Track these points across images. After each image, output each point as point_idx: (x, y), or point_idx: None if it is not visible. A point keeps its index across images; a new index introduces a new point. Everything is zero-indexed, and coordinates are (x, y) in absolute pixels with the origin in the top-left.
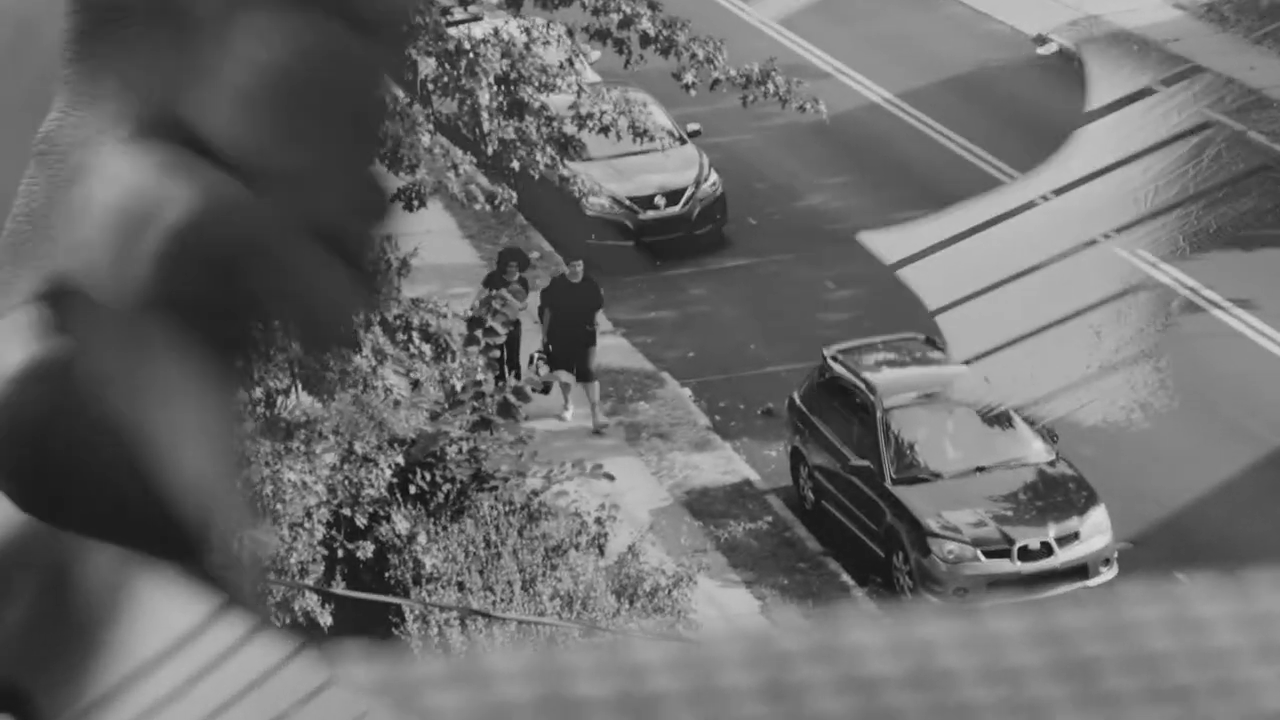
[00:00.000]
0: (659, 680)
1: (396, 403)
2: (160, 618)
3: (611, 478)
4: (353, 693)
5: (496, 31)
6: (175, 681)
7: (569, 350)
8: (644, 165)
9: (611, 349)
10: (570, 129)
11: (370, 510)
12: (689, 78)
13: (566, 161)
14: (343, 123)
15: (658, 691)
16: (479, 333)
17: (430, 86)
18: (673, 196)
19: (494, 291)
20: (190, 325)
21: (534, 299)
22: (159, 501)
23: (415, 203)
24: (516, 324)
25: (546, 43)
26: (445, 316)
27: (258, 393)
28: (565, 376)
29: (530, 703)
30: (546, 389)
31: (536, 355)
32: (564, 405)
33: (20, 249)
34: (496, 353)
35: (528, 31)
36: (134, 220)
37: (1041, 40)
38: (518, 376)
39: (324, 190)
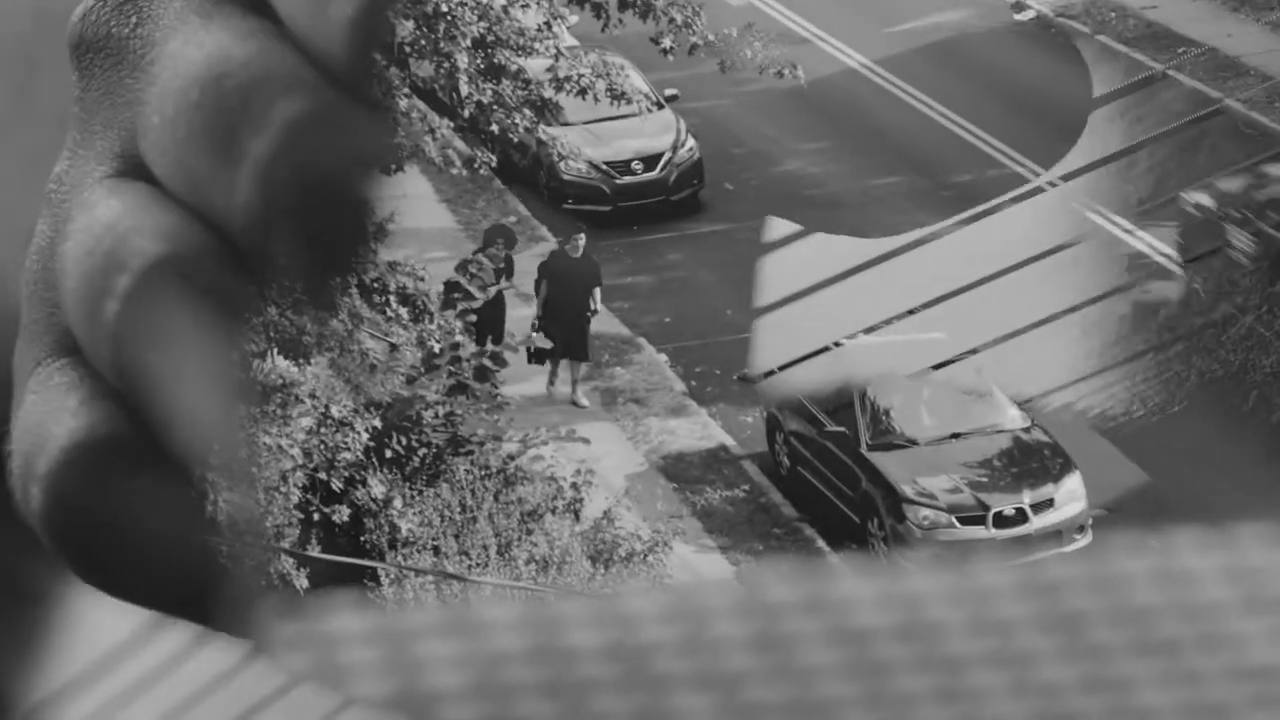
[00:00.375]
0: (650, 631)
1: (373, 366)
2: (97, 625)
3: (587, 441)
4: (318, 691)
5: None
6: (115, 690)
7: (563, 326)
8: (621, 130)
9: None
10: (548, 92)
11: (346, 474)
12: (667, 42)
13: (544, 126)
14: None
15: (650, 641)
16: (456, 295)
17: (407, 49)
18: (650, 161)
19: (471, 256)
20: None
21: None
22: (201, 565)
23: (392, 167)
24: (499, 300)
25: (525, 6)
26: (423, 280)
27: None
28: (541, 341)
29: (522, 652)
30: (541, 358)
31: (531, 329)
32: (550, 380)
33: (36, 294)
34: (473, 318)
35: None
36: (98, 270)
37: (1019, 7)
38: (499, 356)
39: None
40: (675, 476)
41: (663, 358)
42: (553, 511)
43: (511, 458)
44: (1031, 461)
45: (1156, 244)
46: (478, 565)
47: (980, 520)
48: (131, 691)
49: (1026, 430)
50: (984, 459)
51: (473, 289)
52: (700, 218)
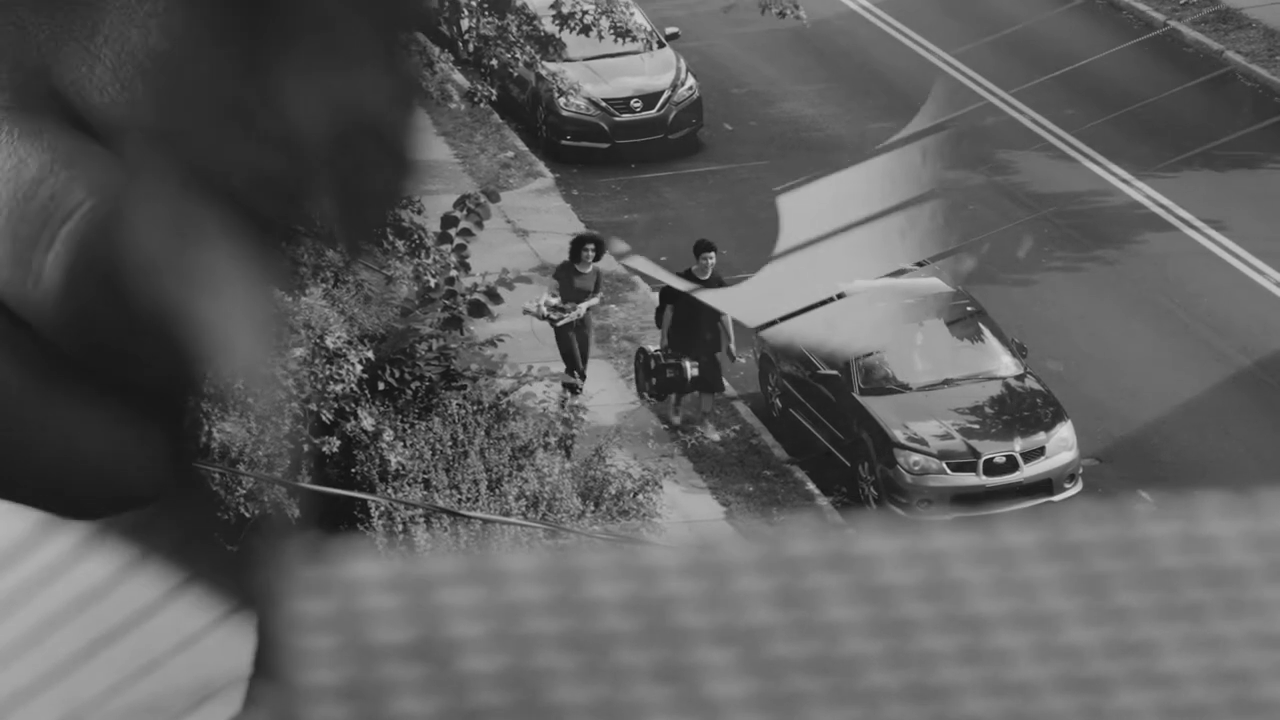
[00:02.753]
0: (672, 584)
1: (368, 298)
2: None
3: (575, 390)
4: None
5: None
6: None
7: (693, 355)
8: (621, 68)
9: None
10: (551, 28)
11: (337, 406)
12: None
13: (545, 61)
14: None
15: (671, 595)
16: (453, 231)
17: None
18: (649, 100)
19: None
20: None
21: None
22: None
23: None
24: (587, 321)
25: None
26: (420, 213)
27: None
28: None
29: (543, 603)
30: (666, 389)
31: (653, 358)
32: (674, 410)
33: None
34: (468, 253)
35: None
36: (31, 217)
37: None
38: (582, 376)
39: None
40: (667, 415)
41: (656, 296)
42: (544, 448)
43: (504, 393)
44: (1023, 409)
45: (1155, 195)
46: (468, 500)
47: (971, 467)
48: (9, 600)
49: (1019, 378)
50: (976, 405)
51: (471, 225)
52: (698, 157)
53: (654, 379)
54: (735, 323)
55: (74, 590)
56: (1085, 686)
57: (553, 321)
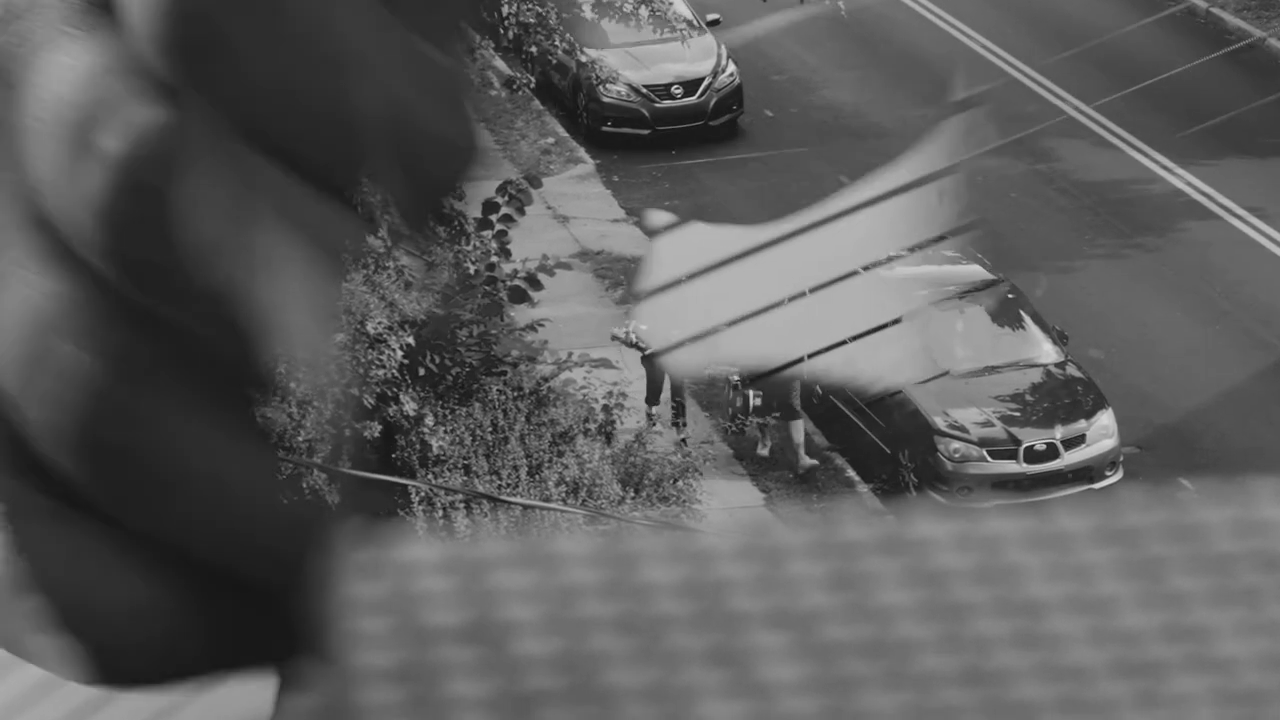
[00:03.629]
0: (725, 568)
1: (408, 284)
2: None
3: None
4: None
5: None
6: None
7: (770, 382)
8: (662, 54)
9: (623, 236)
10: (590, 16)
11: (378, 391)
12: None
13: (585, 48)
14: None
15: (724, 578)
16: (494, 217)
17: None
18: (689, 86)
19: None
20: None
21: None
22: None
23: None
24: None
25: None
26: (461, 199)
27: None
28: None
29: (597, 586)
30: (743, 423)
31: (732, 385)
32: (762, 443)
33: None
34: (509, 239)
35: None
36: (77, 118)
37: None
38: (678, 410)
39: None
40: (707, 402)
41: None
42: (584, 434)
43: (545, 379)
44: (1064, 397)
45: (1195, 181)
46: (508, 485)
47: (1011, 454)
48: None
49: (1060, 365)
50: (1017, 393)
51: (512, 211)
52: (738, 144)
53: (731, 408)
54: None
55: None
56: (1140, 671)
57: (641, 349)
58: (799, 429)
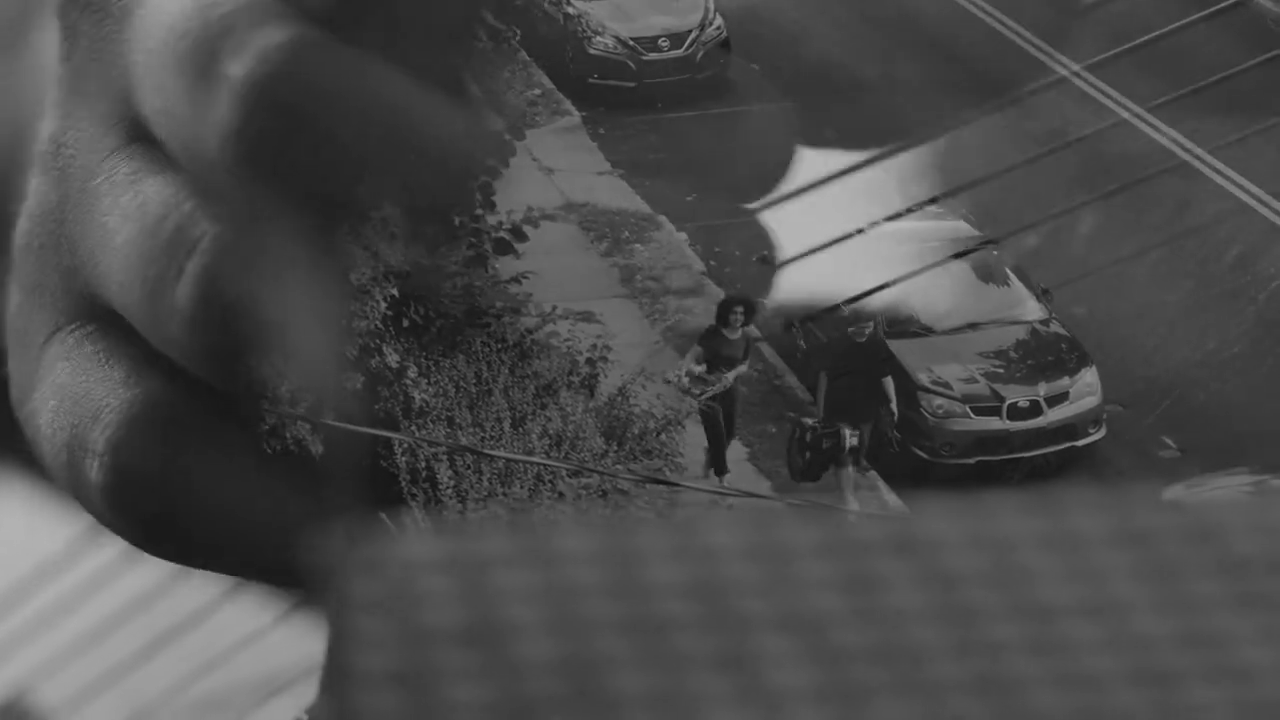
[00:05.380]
0: (732, 567)
1: (393, 234)
2: (25, 541)
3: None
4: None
5: None
6: (44, 604)
7: (850, 423)
8: (649, 6)
9: (609, 189)
10: None
11: (361, 342)
12: None
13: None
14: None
15: (731, 578)
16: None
17: None
18: (676, 39)
19: (704, 349)
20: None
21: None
22: (282, 531)
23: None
24: (730, 395)
25: None
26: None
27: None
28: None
29: (601, 585)
30: (825, 462)
31: (809, 430)
32: (843, 495)
33: (44, 256)
34: (493, 190)
35: None
36: (159, 254)
37: None
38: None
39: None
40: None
41: (682, 236)
42: (568, 387)
43: (529, 331)
44: (1048, 354)
45: (1183, 141)
46: (491, 438)
47: (995, 411)
48: (61, 606)
49: (1044, 323)
50: (1000, 350)
51: (495, 162)
52: (725, 97)
53: (808, 453)
54: (895, 384)
55: (129, 593)
56: (1156, 680)
57: (696, 395)
58: (847, 476)
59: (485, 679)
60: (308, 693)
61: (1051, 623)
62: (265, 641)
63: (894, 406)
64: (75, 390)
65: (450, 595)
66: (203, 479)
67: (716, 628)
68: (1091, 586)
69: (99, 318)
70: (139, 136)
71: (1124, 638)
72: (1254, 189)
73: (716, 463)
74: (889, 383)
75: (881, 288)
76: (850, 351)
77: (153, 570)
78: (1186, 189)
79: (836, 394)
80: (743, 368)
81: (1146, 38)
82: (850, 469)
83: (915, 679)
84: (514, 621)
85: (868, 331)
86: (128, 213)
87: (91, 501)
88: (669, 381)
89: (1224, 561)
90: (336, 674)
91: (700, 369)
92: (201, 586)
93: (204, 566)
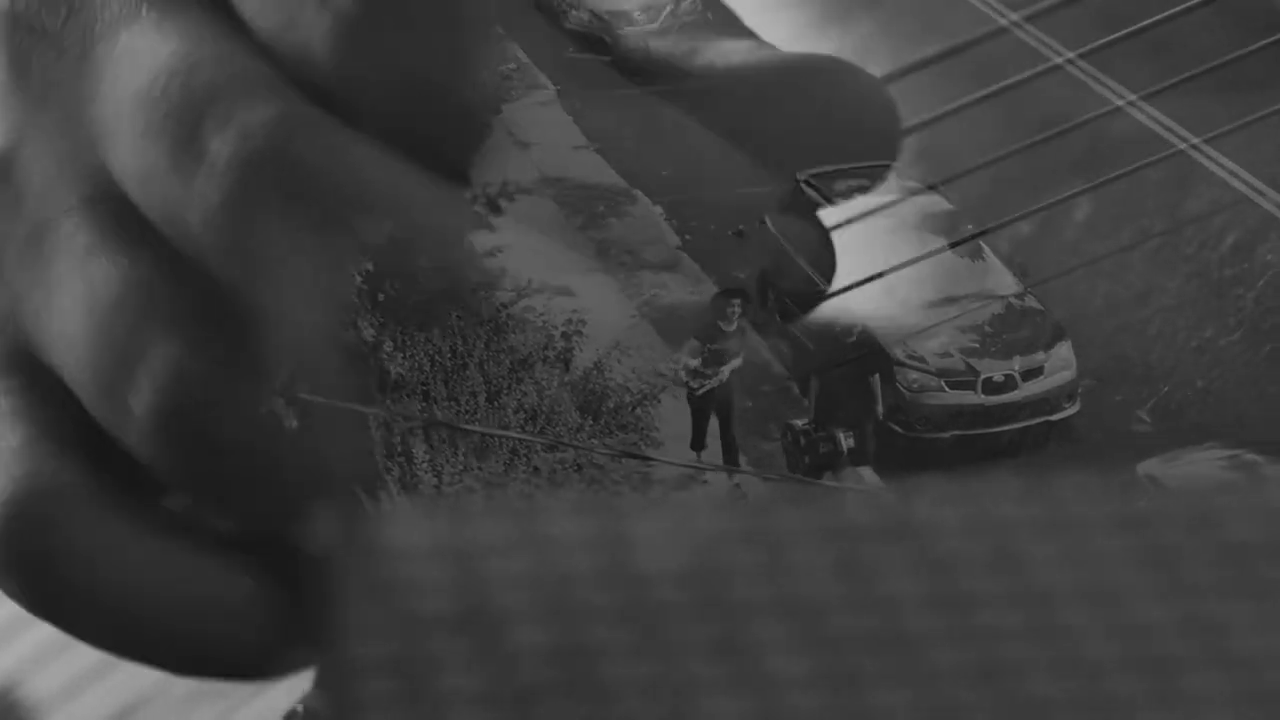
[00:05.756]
0: (728, 553)
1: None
2: None
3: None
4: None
5: None
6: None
7: (843, 425)
8: None
9: (584, 163)
10: None
11: (339, 317)
12: None
13: None
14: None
15: (726, 564)
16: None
17: None
18: (651, 12)
19: (700, 342)
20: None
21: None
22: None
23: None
24: (726, 388)
25: None
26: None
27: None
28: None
29: (594, 574)
30: (823, 465)
31: (801, 434)
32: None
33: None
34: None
35: None
36: (110, 363)
37: None
38: (730, 446)
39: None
40: (666, 330)
41: (658, 210)
42: (543, 361)
43: (504, 306)
44: (1023, 328)
45: (1161, 118)
46: (466, 412)
47: (970, 385)
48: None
49: (1019, 296)
50: (975, 324)
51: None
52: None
53: (806, 457)
54: (883, 384)
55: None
56: (1156, 667)
57: (692, 389)
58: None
59: (478, 667)
60: (302, 684)
61: (1049, 609)
62: None
63: (879, 407)
64: None
65: (442, 582)
66: (95, 561)
67: (711, 614)
68: (1090, 571)
69: (23, 372)
70: (102, 194)
71: (1122, 624)
72: (1250, 178)
73: (697, 441)
74: (876, 381)
75: (867, 280)
76: (840, 351)
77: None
78: (1182, 176)
79: (828, 395)
80: (736, 362)
81: (1144, 23)
82: (848, 471)
83: (912, 665)
84: (507, 609)
85: (857, 330)
86: (78, 296)
87: None
88: (663, 375)
89: (1223, 547)
90: (332, 664)
91: (696, 363)
92: None
93: (90, 641)
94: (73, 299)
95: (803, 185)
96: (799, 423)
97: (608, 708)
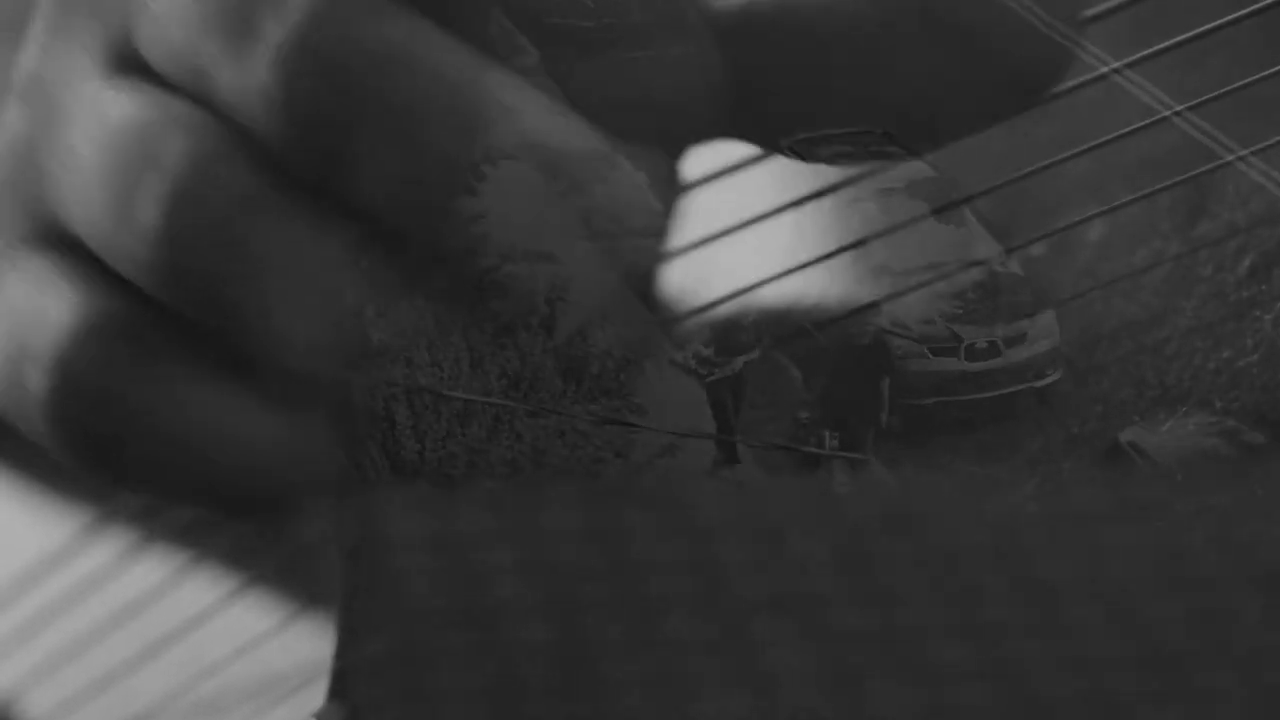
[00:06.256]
0: (723, 546)
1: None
2: (22, 536)
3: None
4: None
5: None
6: (41, 602)
7: (836, 426)
8: None
9: (567, 129)
10: None
11: (321, 285)
12: None
13: None
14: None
15: (722, 557)
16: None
17: None
18: None
19: (713, 327)
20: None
21: None
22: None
23: None
24: (739, 378)
25: None
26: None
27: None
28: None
29: (591, 565)
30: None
31: (800, 426)
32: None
33: (13, 184)
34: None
35: None
36: (130, 169)
37: None
38: (728, 428)
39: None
40: (649, 295)
41: (641, 177)
42: (526, 327)
43: (488, 271)
44: (1005, 295)
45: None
46: (450, 378)
47: (953, 352)
48: (62, 602)
49: (1002, 264)
50: (959, 291)
51: None
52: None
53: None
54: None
55: (126, 595)
56: (1164, 664)
57: (703, 377)
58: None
59: (476, 661)
60: (314, 697)
61: (1055, 604)
62: (266, 646)
63: (884, 415)
64: (24, 304)
65: (437, 574)
66: (157, 398)
67: (710, 608)
68: (1096, 566)
69: (61, 242)
70: (131, 70)
71: (1127, 618)
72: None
73: (726, 451)
74: (886, 386)
75: (852, 246)
76: (851, 352)
77: (150, 573)
78: (1201, 194)
79: (832, 394)
80: (754, 354)
81: (1173, 41)
82: (830, 469)
83: (914, 661)
84: (504, 602)
85: (870, 331)
86: (94, 135)
87: (30, 415)
88: (674, 362)
89: (1227, 541)
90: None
91: (708, 352)
92: (200, 589)
93: (146, 492)
94: (89, 139)
95: (786, 150)
96: (803, 418)
97: (606, 704)
